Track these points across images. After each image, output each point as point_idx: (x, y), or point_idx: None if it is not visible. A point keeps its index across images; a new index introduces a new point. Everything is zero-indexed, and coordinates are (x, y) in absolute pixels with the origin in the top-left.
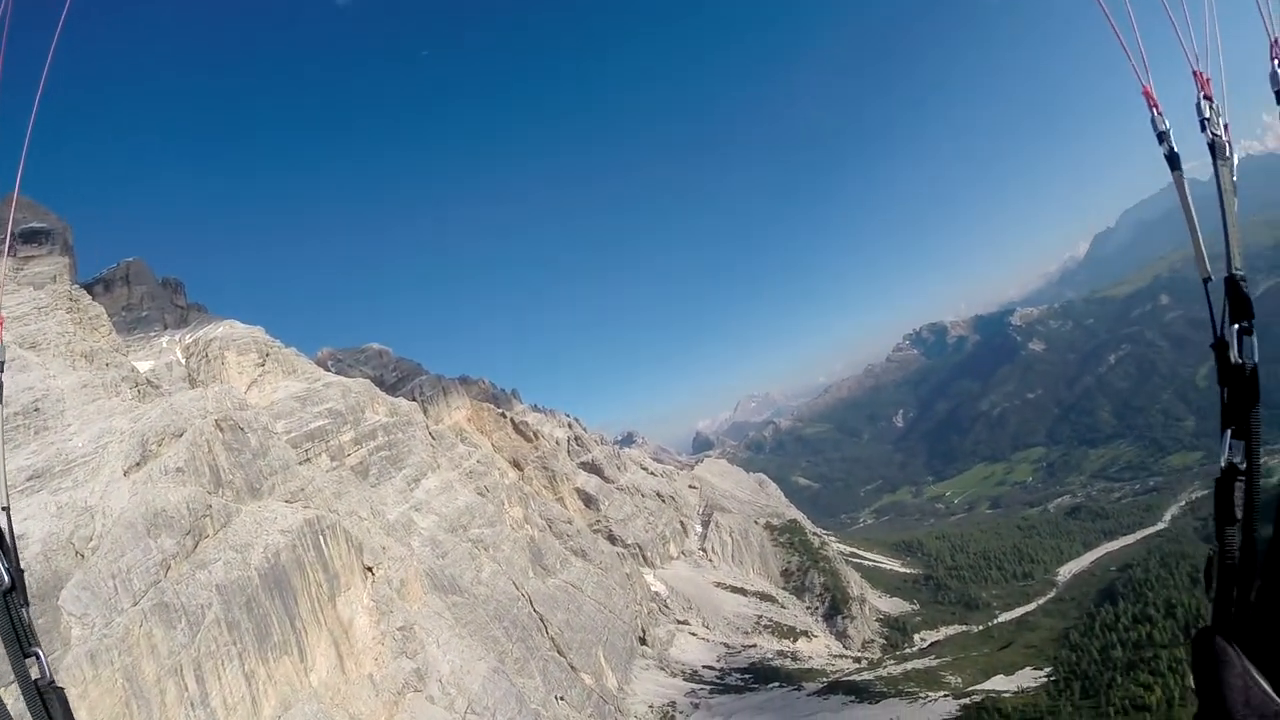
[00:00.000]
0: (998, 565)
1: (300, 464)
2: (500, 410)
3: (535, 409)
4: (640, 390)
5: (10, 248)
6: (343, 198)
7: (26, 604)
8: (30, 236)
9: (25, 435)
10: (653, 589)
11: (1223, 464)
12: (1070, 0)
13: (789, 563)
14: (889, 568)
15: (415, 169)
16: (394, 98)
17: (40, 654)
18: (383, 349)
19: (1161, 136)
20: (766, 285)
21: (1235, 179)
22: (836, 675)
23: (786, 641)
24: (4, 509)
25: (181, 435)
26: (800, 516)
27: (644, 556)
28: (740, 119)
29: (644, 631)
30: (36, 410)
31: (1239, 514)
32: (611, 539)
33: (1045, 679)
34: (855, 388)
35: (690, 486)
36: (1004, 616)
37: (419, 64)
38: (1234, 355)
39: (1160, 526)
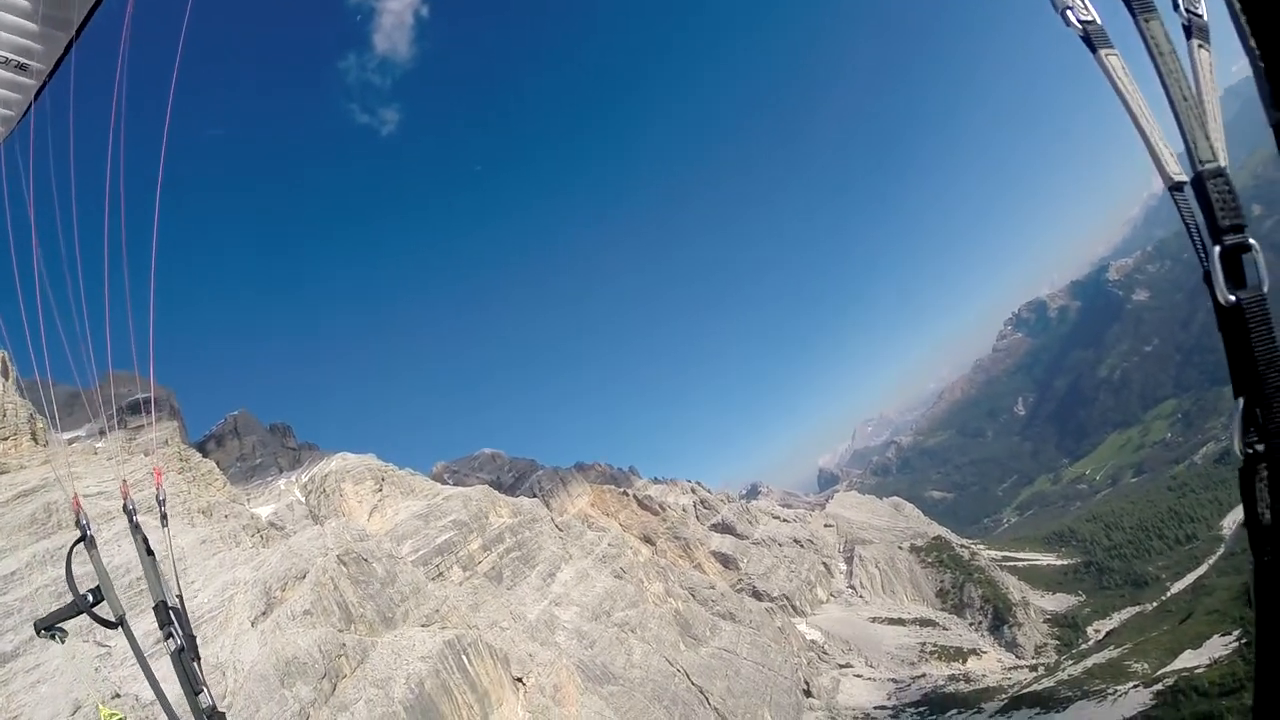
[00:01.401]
0: (1158, 534)
1: (433, 580)
2: (621, 489)
3: (656, 481)
4: (754, 440)
5: (119, 420)
6: (425, 317)
7: (197, 659)
8: (136, 407)
9: (148, 600)
10: (808, 638)
11: (1237, 449)
12: None
13: (942, 581)
14: (1045, 563)
15: (485, 275)
16: (461, 209)
17: (207, 688)
18: (495, 452)
19: (1067, 13)
20: (856, 308)
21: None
22: (1016, 689)
23: (956, 664)
24: (178, 596)
25: (304, 577)
26: (944, 532)
27: (793, 606)
28: (787, 153)
29: (807, 683)
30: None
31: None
32: (757, 595)
33: (1237, 642)
34: (968, 386)
35: (826, 526)
36: (1177, 587)
37: (476, 177)
38: (1220, 293)
39: None
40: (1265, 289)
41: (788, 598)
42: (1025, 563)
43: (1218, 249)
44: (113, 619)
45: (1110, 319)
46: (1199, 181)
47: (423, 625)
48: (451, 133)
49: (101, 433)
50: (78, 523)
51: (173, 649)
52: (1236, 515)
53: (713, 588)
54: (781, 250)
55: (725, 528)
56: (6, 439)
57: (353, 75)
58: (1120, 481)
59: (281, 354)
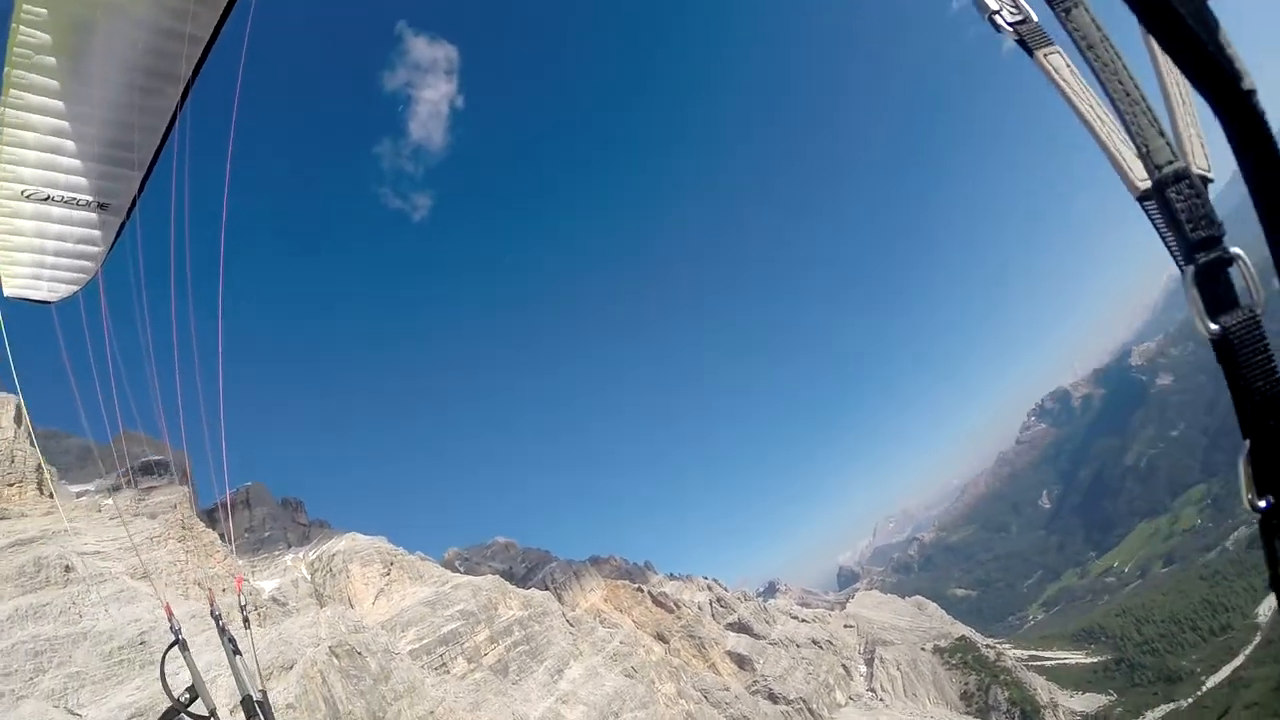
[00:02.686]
0: (1190, 626)
1: (435, 670)
2: (636, 585)
3: (672, 578)
4: (773, 537)
5: (131, 480)
6: (445, 401)
7: None
8: (149, 469)
9: (129, 670)
10: None
11: (1246, 502)
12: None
13: (966, 684)
14: (1074, 662)
15: (505, 362)
16: (488, 294)
17: None
18: (509, 542)
19: (995, 18)
20: (875, 402)
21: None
22: None
23: None
24: (262, 690)
25: (292, 668)
26: (968, 631)
27: (810, 710)
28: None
29: None
30: (142, 644)
31: None
32: (773, 698)
33: None
34: (991, 480)
35: (846, 626)
36: (1213, 681)
37: (504, 266)
38: (1201, 323)
39: None
40: (1259, 309)
41: (805, 701)
42: (1053, 661)
43: (1190, 270)
44: (205, 713)
45: (1135, 405)
46: (1158, 190)
47: None
48: (481, 221)
49: (112, 490)
50: (171, 628)
51: None
52: (1272, 601)
53: (727, 689)
54: (802, 345)
55: (742, 627)
56: (11, 485)
57: (387, 161)
58: (1150, 573)
59: (301, 428)
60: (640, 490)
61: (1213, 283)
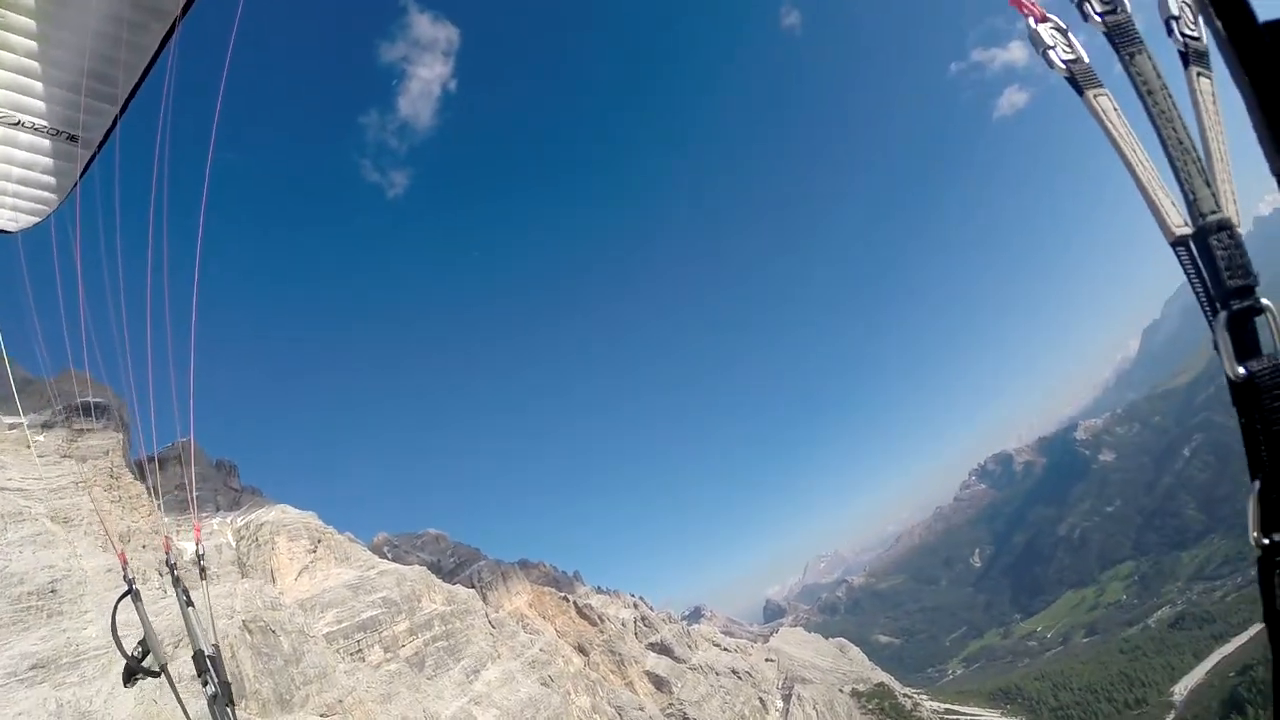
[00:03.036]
0: (1107, 697)
1: (350, 656)
2: (563, 594)
3: (599, 590)
4: (705, 562)
5: (66, 419)
6: (390, 384)
7: (230, 704)
8: (85, 411)
9: (37, 618)
10: None
11: (1253, 538)
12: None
13: None
14: (988, 719)
15: (456, 355)
16: (450, 285)
17: None
18: (440, 534)
19: (1049, 54)
20: (824, 443)
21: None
22: None
23: None
24: (214, 645)
25: None
26: (887, 678)
27: None
28: (777, 279)
29: None
30: (53, 592)
31: None
32: None
33: None
34: (926, 533)
35: (767, 660)
36: None
37: (470, 260)
38: (1229, 366)
39: None
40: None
41: None
42: (968, 717)
43: (1224, 316)
44: (156, 669)
45: (1075, 478)
46: (1200, 237)
47: (321, 715)
48: (455, 211)
49: (44, 426)
50: (125, 577)
51: (209, 695)
52: (1188, 681)
53: (642, 709)
54: (753, 378)
55: (663, 648)
56: None
57: (371, 132)
58: (1072, 641)
59: (243, 391)
60: (579, 497)
61: (1240, 330)
